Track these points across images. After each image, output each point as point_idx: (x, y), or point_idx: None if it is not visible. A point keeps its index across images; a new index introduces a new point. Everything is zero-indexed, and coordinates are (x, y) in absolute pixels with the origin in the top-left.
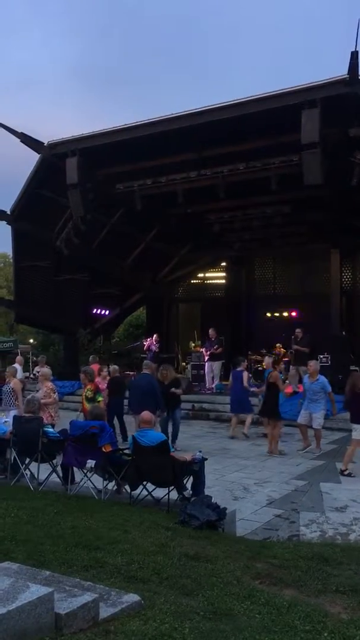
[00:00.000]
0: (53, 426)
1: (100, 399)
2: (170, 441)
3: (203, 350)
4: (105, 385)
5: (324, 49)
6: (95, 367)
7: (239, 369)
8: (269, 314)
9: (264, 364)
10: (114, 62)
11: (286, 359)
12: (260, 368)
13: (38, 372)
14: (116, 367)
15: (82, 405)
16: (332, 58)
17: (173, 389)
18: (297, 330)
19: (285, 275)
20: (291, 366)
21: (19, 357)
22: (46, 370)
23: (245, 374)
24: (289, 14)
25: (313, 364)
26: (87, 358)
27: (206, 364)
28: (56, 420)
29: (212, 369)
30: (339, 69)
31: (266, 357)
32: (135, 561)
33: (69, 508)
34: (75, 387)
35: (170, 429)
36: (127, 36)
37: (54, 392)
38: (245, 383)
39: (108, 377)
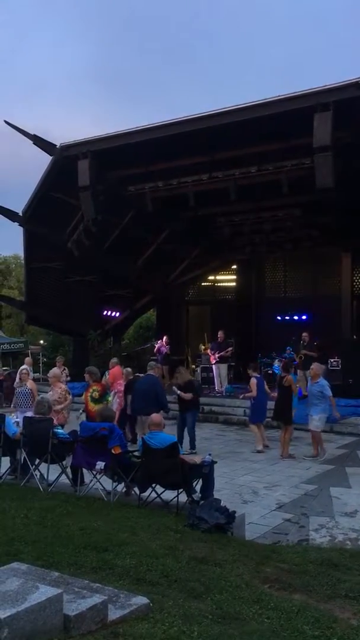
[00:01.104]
0: (62, 426)
1: (109, 399)
2: (185, 445)
3: (209, 352)
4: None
5: (336, 52)
6: (117, 369)
7: (258, 375)
8: (279, 317)
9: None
10: (127, 65)
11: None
12: (269, 371)
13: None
14: (129, 369)
15: (86, 406)
16: (346, 61)
17: (180, 393)
18: (304, 334)
19: (296, 278)
20: (299, 370)
21: (27, 359)
22: (56, 370)
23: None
24: (300, 16)
25: (315, 367)
26: (97, 360)
27: (213, 366)
28: (67, 421)
29: (219, 372)
30: (352, 72)
31: (284, 361)
32: (144, 563)
33: (78, 509)
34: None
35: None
36: (141, 38)
37: (69, 394)
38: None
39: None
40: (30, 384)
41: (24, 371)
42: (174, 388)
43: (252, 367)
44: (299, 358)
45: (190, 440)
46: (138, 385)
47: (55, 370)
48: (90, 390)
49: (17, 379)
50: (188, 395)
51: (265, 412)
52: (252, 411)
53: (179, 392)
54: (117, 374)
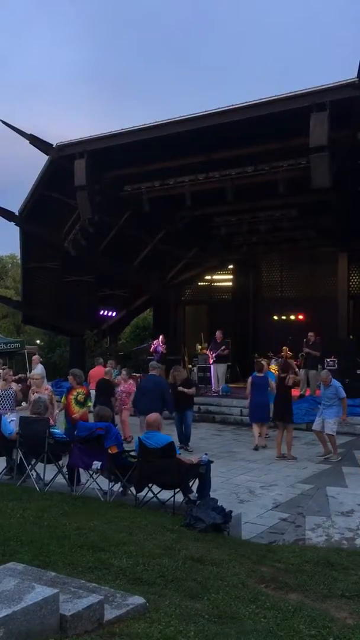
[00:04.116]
0: None
1: (90, 403)
2: (182, 442)
3: (208, 352)
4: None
5: (333, 52)
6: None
7: (260, 374)
8: (275, 317)
9: (265, 366)
10: (124, 65)
11: (295, 362)
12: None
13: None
14: (109, 369)
15: (68, 409)
16: (343, 61)
17: (181, 388)
18: (310, 333)
19: (292, 278)
20: (301, 370)
21: (35, 357)
22: (42, 372)
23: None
24: (297, 16)
25: (324, 374)
26: (93, 360)
27: (211, 366)
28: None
29: (216, 372)
30: (349, 72)
31: (264, 360)
32: (141, 563)
33: (75, 509)
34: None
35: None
36: (138, 38)
37: (54, 394)
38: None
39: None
40: (15, 385)
41: (10, 373)
42: (180, 388)
43: (257, 366)
44: (301, 356)
45: (187, 437)
46: (143, 385)
47: (41, 372)
48: (75, 393)
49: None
50: (192, 390)
51: (267, 412)
52: None
53: (185, 390)
54: (93, 375)
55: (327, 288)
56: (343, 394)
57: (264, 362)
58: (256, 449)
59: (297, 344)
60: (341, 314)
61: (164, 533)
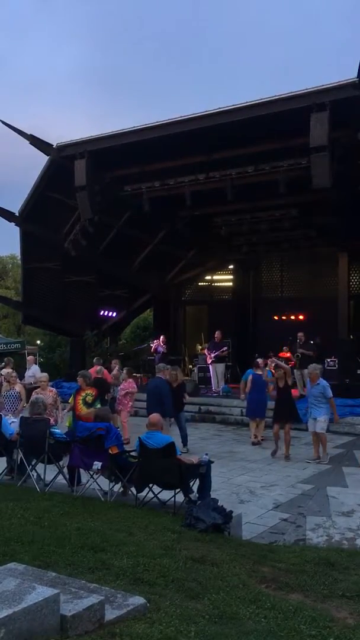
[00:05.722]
0: None
1: (98, 405)
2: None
3: (206, 352)
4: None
5: (333, 52)
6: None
7: (259, 372)
8: (276, 317)
9: (260, 366)
10: (125, 65)
11: (291, 363)
12: None
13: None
14: (100, 367)
15: (76, 409)
16: (343, 61)
17: (184, 398)
18: (300, 333)
19: (292, 278)
20: (295, 370)
21: (30, 357)
22: (46, 374)
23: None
24: (297, 17)
25: (311, 369)
26: (95, 359)
27: (210, 366)
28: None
29: (215, 372)
30: (349, 72)
31: (260, 360)
32: (141, 564)
33: (75, 509)
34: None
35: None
36: (138, 39)
37: (58, 396)
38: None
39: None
40: (19, 387)
41: (13, 374)
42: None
43: (254, 364)
44: (296, 357)
45: (182, 437)
46: (146, 388)
47: (45, 374)
48: (83, 393)
49: (5, 382)
50: (185, 398)
51: (263, 409)
52: None
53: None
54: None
55: (328, 288)
56: (330, 393)
57: (260, 360)
58: (257, 443)
59: (296, 344)
60: (341, 314)
61: (164, 533)
